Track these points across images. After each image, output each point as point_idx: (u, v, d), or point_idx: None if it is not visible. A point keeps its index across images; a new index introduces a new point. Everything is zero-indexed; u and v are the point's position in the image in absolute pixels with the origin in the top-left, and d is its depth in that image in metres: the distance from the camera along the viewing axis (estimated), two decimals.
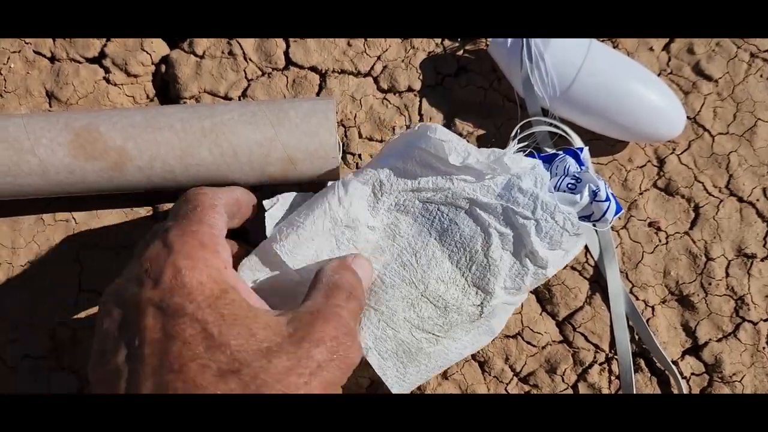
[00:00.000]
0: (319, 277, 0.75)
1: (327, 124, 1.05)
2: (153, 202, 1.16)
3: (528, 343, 1.11)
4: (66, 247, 1.14)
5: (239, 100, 1.20)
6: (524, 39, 1.09)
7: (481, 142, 1.18)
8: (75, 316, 1.11)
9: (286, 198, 1.00)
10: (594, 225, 1.03)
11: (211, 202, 0.74)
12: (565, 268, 1.13)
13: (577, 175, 1.04)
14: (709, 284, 1.12)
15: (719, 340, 1.11)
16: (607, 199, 1.01)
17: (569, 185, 1.03)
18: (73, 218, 1.15)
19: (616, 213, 1.03)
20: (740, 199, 1.17)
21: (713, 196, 1.17)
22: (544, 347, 1.11)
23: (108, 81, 1.21)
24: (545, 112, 1.15)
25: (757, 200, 1.16)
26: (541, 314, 1.12)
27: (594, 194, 1.02)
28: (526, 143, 1.15)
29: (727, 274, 1.13)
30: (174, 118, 1.04)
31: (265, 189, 1.14)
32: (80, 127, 1.03)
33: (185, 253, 0.62)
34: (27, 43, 1.21)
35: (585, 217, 1.03)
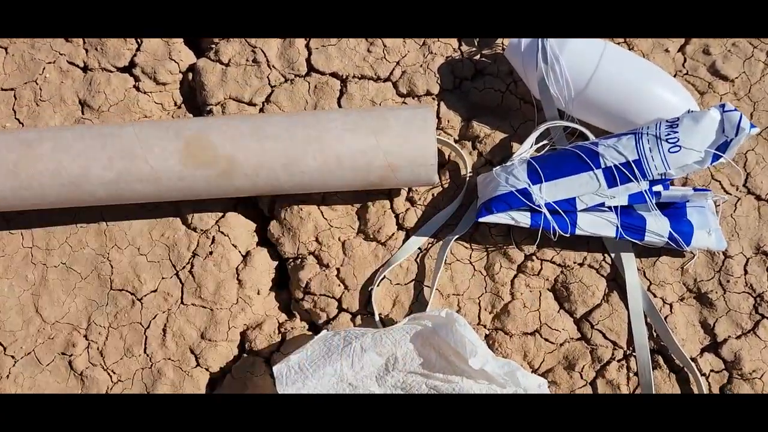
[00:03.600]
0: None
1: (427, 132, 1.07)
2: (179, 211, 1.20)
3: (546, 340, 1.12)
4: (97, 248, 1.19)
5: (263, 105, 1.24)
6: (539, 41, 1.11)
7: (499, 144, 1.20)
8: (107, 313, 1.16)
9: (295, 362, 1.00)
10: (724, 152, 1.02)
11: None
12: (582, 266, 1.15)
13: (669, 121, 1.06)
14: (728, 282, 1.13)
15: (738, 337, 1.11)
16: (735, 109, 1.03)
17: (667, 125, 1.05)
18: (104, 221, 1.20)
19: (752, 126, 1.03)
20: (758, 197, 1.17)
21: (730, 194, 1.17)
22: (562, 344, 1.12)
23: (138, 89, 1.26)
24: (561, 114, 1.17)
25: None
26: (558, 312, 1.14)
27: (722, 106, 1.04)
28: (544, 142, 1.18)
29: (746, 272, 1.14)
30: (280, 127, 1.07)
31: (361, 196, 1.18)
32: (191, 135, 1.07)
33: None
34: (61, 54, 1.27)
35: (721, 147, 1.02)
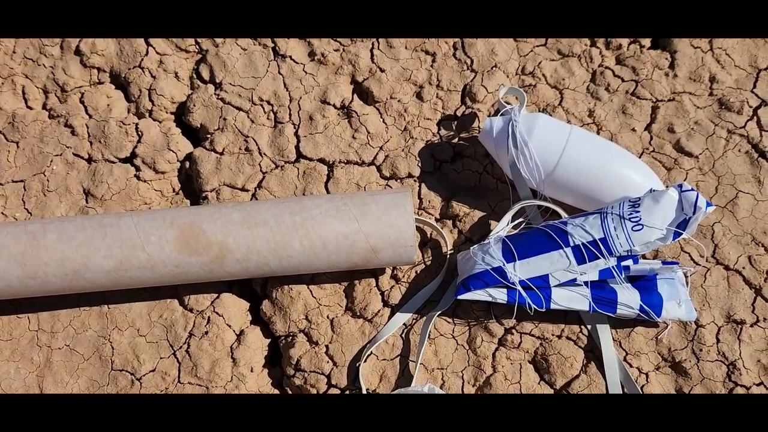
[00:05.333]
0: None
1: (405, 216, 1.15)
2: (176, 293, 1.27)
3: None
4: (99, 330, 1.25)
5: (255, 190, 1.32)
6: (510, 128, 1.19)
7: (477, 222, 1.27)
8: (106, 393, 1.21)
9: None
10: (685, 229, 1.09)
11: None
12: (560, 338, 1.20)
13: (632, 201, 1.13)
14: (701, 350, 1.17)
15: None
16: (692, 189, 1.10)
17: (629, 205, 1.11)
18: (106, 304, 1.26)
19: (708, 205, 1.09)
20: (726, 267, 1.23)
21: (700, 265, 1.23)
22: None
23: (138, 178, 1.35)
24: (534, 193, 1.24)
25: (743, 268, 1.22)
26: (539, 383, 1.18)
27: (680, 186, 1.11)
28: (520, 219, 1.25)
29: (718, 340, 1.18)
30: (267, 214, 1.15)
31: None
32: (185, 224, 1.15)
33: None
34: (68, 147, 1.36)
35: (681, 224, 1.09)
